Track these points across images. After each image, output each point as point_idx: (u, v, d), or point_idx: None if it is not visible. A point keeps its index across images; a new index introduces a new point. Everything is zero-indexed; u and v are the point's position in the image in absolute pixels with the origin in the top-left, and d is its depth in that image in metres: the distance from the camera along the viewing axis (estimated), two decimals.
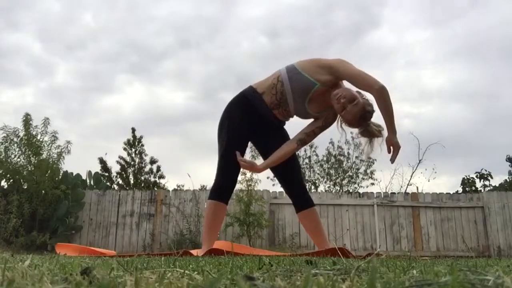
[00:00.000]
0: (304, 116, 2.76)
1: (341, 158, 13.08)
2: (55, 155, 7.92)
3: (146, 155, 11.52)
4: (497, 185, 13.49)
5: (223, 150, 2.74)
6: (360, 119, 2.57)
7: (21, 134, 7.77)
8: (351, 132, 14.07)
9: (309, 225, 2.86)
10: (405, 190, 11.74)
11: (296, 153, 2.96)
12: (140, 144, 11.55)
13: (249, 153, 8.56)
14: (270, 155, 2.78)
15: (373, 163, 13.09)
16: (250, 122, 2.77)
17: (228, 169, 2.74)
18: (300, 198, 2.84)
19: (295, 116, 2.82)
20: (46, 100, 18.15)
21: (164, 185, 11.32)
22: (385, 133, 2.60)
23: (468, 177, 13.60)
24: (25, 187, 7.59)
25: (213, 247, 2.59)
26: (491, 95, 18.35)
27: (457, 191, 12.68)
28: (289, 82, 2.62)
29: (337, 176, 12.95)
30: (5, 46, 15.80)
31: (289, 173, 2.84)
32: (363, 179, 12.98)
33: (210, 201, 2.77)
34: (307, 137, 2.74)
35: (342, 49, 18.40)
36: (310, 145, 13.45)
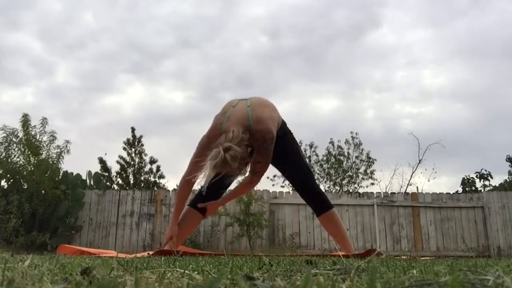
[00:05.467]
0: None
1: (341, 158, 13.09)
2: (54, 155, 7.93)
3: (146, 155, 11.50)
4: (497, 185, 13.48)
5: None
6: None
7: (20, 134, 7.78)
8: (351, 132, 13.96)
9: (329, 228, 2.85)
10: (405, 190, 11.76)
11: (302, 157, 2.94)
12: (140, 144, 11.53)
13: None
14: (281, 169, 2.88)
15: (373, 163, 13.12)
16: None
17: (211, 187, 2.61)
18: (314, 202, 2.81)
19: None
20: (46, 100, 18.15)
21: (164, 185, 11.30)
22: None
23: (468, 177, 13.60)
24: (25, 187, 7.59)
25: (163, 249, 2.63)
26: (491, 95, 18.35)
27: (457, 191, 12.67)
28: None
29: (337, 176, 12.96)
30: (6, 46, 15.79)
31: (296, 179, 2.86)
32: (363, 179, 13.00)
33: (186, 207, 2.96)
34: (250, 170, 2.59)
35: (342, 49, 18.41)
36: (310, 145, 13.45)
